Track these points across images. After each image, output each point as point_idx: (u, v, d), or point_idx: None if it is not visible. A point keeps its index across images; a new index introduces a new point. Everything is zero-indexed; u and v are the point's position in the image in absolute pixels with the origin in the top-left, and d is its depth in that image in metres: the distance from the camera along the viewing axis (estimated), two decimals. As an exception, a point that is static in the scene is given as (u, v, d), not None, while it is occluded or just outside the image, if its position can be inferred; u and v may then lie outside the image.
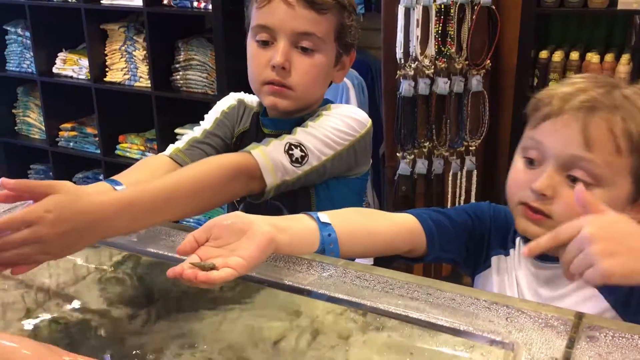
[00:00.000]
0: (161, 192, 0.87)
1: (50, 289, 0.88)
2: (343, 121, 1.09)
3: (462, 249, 1.01)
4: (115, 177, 0.98)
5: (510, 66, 2.56)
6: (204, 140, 1.14)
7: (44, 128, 3.46)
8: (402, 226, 0.96)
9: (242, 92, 1.22)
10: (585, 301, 0.89)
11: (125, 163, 3.23)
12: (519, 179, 0.92)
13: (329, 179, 1.11)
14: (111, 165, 3.29)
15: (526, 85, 2.43)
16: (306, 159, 1.05)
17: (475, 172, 2.56)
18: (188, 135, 1.15)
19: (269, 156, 1.02)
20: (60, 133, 3.43)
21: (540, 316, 0.72)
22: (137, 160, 3.22)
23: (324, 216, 0.87)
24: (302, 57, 1.07)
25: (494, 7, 2.37)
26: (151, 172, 1.03)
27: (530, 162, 0.91)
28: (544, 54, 2.41)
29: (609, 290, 0.87)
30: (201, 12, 2.83)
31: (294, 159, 1.04)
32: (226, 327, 0.77)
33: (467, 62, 2.40)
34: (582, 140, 0.85)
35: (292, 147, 1.04)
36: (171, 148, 1.11)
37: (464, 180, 2.57)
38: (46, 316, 0.81)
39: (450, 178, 2.55)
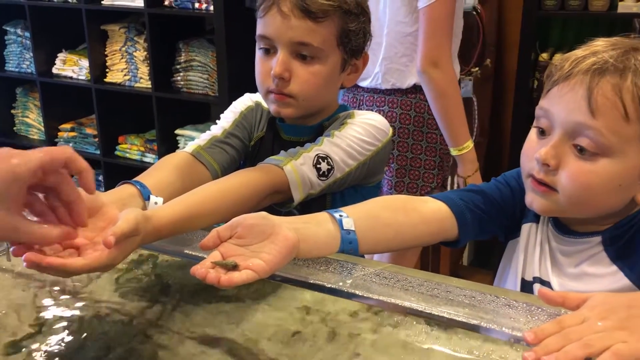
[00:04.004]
0: (187, 210, 0.88)
1: (65, 286, 0.88)
2: (366, 130, 1.10)
3: (496, 226, 0.99)
4: (138, 178, 0.98)
5: (511, 69, 2.58)
6: (224, 140, 1.15)
7: (43, 128, 3.45)
8: (431, 219, 0.94)
9: (258, 94, 1.22)
10: (605, 277, 0.86)
11: (125, 164, 3.23)
12: (529, 149, 0.88)
13: (346, 188, 1.12)
14: (111, 166, 3.28)
15: (526, 87, 2.44)
16: (332, 172, 1.06)
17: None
18: (208, 133, 1.15)
19: (299, 172, 1.03)
20: (60, 134, 3.41)
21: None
22: (136, 161, 3.22)
23: (347, 220, 0.86)
24: (301, 66, 1.06)
25: (475, 13, 2.35)
26: (173, 171, 1.04)
27: (542, 133, 0.87)
28: (544, 57, 2.42)
29: (630, 267, 0.85)
30: (202, 13, 2.83)
31: (320, 172, 1.05)
32: (241, 323, 0.77)
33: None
34: (586, 106, 0.79)
35: (320, 160, 1.05)
36: (192, 145, 1.11)
37: (460, 185, 2.56)
38: (59, 310, 0.81)
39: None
